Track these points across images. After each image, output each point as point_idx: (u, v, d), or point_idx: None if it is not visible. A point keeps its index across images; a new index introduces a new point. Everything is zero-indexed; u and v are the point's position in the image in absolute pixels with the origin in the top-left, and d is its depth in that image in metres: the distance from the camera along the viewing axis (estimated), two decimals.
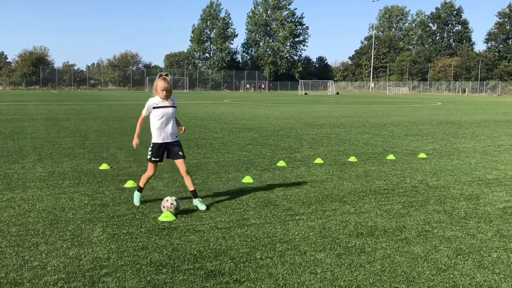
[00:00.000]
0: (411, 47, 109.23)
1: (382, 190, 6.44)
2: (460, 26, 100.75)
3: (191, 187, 5.45)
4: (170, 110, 5.34)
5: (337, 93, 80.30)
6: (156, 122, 5.34)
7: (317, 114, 22.86)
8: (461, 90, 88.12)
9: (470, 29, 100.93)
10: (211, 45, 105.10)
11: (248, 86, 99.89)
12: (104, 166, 7.79)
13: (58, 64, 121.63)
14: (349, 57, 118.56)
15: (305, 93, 75.13)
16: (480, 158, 9.36)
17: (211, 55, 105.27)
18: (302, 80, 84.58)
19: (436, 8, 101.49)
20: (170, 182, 6.75)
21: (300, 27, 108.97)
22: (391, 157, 9.25)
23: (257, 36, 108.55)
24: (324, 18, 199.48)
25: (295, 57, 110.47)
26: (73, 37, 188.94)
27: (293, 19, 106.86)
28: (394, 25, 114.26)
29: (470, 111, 27.62)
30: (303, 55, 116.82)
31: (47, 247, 4.08)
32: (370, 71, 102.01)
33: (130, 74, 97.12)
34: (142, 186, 5.58)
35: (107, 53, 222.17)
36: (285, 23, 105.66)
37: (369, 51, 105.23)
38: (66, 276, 3.51)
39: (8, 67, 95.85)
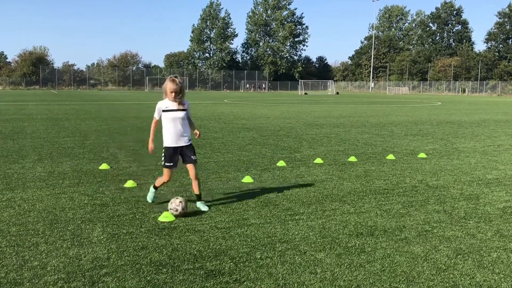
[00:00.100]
0: (411, 47, 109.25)
1: (382, 190, 6.44)
2: (460, 26, 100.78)
3: (196, 191, 5.42)
4: (181, 113, 5.25)
5: (337, 93, 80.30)
6: (167, 126, 5.26)
7: (317, 114, 22.87)
8: (461, 90, 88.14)
9: (470, 29, 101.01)
10: (211, 45, 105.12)
11: (248, 86, 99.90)
12: (104, 166, 7.79)
13: (58, 64, 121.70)
14: (349, 57, 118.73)
15: (305, 93, 75.13)
16: (480, 158, 9.36)
17: (211, 55, 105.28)
18: (302, 80, 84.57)
19: (436, 8, 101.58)
20: (170, 182, 6.74)
21: (300, 27, 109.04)
22: (391, 157, 9.25)
23: (257, 36, 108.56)
24: (324, 18, 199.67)
25: (295, 57, 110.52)
26: (73, 37, 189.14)
27: (293, 19, 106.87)
28: (394, 25, 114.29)
29: (470, 111, 27.62)
30: (303, 55, 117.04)
31: (47, 247, 4.09)
32: (370, 71, 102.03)
33: (130, 74, 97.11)
34: (157, 186, 5.58)
35: (107, 53, 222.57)
36: (285, 23, 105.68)
37: (369, 51, 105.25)
38: (66, 276, 3.51)
39: (8, 67, 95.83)
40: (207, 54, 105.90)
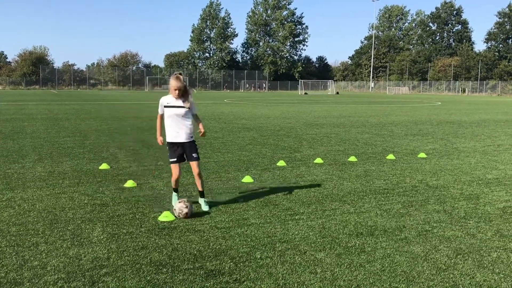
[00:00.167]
0: (411, 47, 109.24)
1: (382, 189, 6.44)
2: (460, 26, 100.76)
3: (200, 188, 5.46)
4: (182, 110, 5.24)
5: (337, 93, 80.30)
6: (167, 121, 5.31)
7: (317, 113, 22.87)
8: (461, 90, 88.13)
9: (470, 29, 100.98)
10: (211, 45, 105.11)
11: (247, 86, 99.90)
12: (104, 166, 7.79)
13: (58, 64, 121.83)
14: (349, 57, 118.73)
15: (305, 93, 75.12)
16: (480, 158, 9.36)
17: (211, 54, 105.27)
18: (302, 80, 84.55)
19: (436, 8, 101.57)
20: (170, 182, 6.74)
21: (300, 26, 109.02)
22: (391, 156, 9.25)
23: (257, 35, 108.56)
24: (324, 18, 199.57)
25: (295, 56, 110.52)
26: (73, 37, 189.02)
27: (293, 19, 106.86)
28: (394, 25, 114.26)
29: (470, 111, 27.62)
30: (303, 55, 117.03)
31: (47, 247, 4.09)
32: (370, 71, 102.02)
33: (130, 74, 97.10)
34: (174, 187, 5.56)
35: (107, 53, 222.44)
36: (285, 22, 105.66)
37: (369, 50, 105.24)
38: (66, 275, 3.51)
39: (8, 66, 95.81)
40: (207, 54, 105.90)
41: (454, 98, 60.21)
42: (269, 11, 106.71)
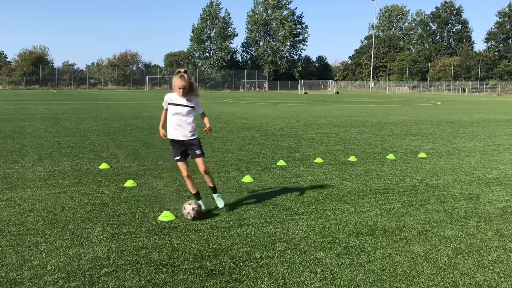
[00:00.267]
0: (411, 46, 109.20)
1: (382, 189, 6.44)
2: (460, 25, 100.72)
3: (210, 184, 5.41)
4: (184, 108, 5.16)
5: (337, 92, 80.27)
6: (169, 118, 5.26)
7: (317, 113, 22.86)
8: (461, 90, 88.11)
9: (470, 29, 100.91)
10: (211, 45, 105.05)
11: (247, 85, 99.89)
12: (104, 166, 7.79)
13: (58, 63, 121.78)
14: (349, 56, 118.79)
15: (305, 93, 75.10)
16: (480, 158, 9.36)
17: (211, 54, 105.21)
18: (302, 80, 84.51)
19: (436, 8, 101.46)
20: (170, 182, 6.75)
21: (300, 26, 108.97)
22: (391, 156, 9.25)
23: (257, 35, 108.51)
24: (324, 18, 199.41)
25: (295, 56, 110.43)
26: (73, 37, 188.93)
27: (293, 19, 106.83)
28: (394, 25, 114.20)
29: (470, 110, 27.62)
30: (303, 55, 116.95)
31: (47, 247, 4.08)
32: (370, 71, 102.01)
33: (130, 73, 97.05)
34: (193, 192, 5.36)
35: (107, 52, 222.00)
36: (285, 22, 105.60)
37: (369, 50, 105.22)
38: (66, 275, 3.51)
39: (8, 66, 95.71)
40: (207, 54, 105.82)
41: (454, 97, 60.20)
42: (269, 11, 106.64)
